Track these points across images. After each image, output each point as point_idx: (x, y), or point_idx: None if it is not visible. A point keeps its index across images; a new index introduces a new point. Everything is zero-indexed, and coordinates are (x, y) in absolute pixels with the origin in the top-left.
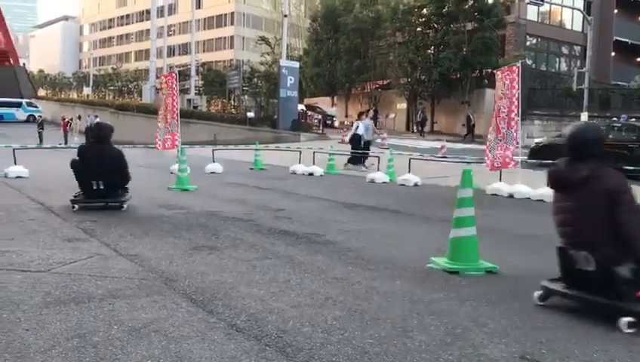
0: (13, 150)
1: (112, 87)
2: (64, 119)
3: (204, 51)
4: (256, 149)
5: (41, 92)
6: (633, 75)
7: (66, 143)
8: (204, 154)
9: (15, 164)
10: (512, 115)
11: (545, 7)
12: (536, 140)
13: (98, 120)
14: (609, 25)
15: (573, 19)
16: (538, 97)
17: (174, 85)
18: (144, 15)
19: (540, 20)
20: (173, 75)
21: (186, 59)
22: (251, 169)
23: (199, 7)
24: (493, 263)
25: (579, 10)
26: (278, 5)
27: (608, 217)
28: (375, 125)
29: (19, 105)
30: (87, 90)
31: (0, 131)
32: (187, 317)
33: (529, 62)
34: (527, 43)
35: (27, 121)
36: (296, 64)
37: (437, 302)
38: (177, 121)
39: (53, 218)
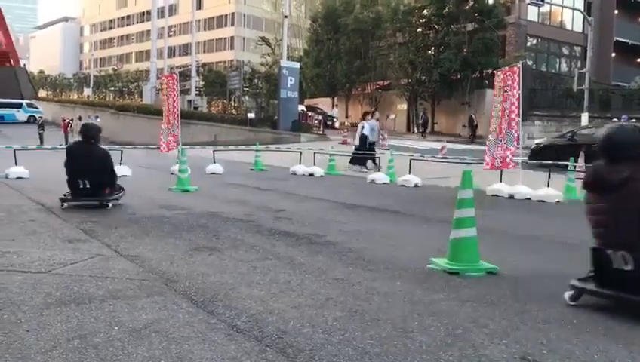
0: (14, 151)
1: (112, 88)
2: (65, 120)
3: (204, 52)
4: (256, 150)
5: (42, 93)
6: (633, 76)
7: (66, 144)
8: (205, 155)
9: (16, 164)
10: (513, 116)
11: (545, 8)
12: (537, 141)
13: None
14: (609, 25)
15: (573, 20)
16: (538, 98)
17: (175, 86)
18: (144, 16)
19: (540, 21)
20: (174, 75)
21: (186, 59)
22: (252, 170)
23: (200, 8)
24: (494, 264)
25: (579, 10)
26: (279, 6)
27: None
28: None
29: (19, 106)
30: (87, 91)
31: (1, 132)
32: (188, 317)
33: (529, 62)
34: (528, 44)
35: (28, 122)
36: (297, 65)
37: (437, 303)
38: (178, 121)
39: (53, 219)
